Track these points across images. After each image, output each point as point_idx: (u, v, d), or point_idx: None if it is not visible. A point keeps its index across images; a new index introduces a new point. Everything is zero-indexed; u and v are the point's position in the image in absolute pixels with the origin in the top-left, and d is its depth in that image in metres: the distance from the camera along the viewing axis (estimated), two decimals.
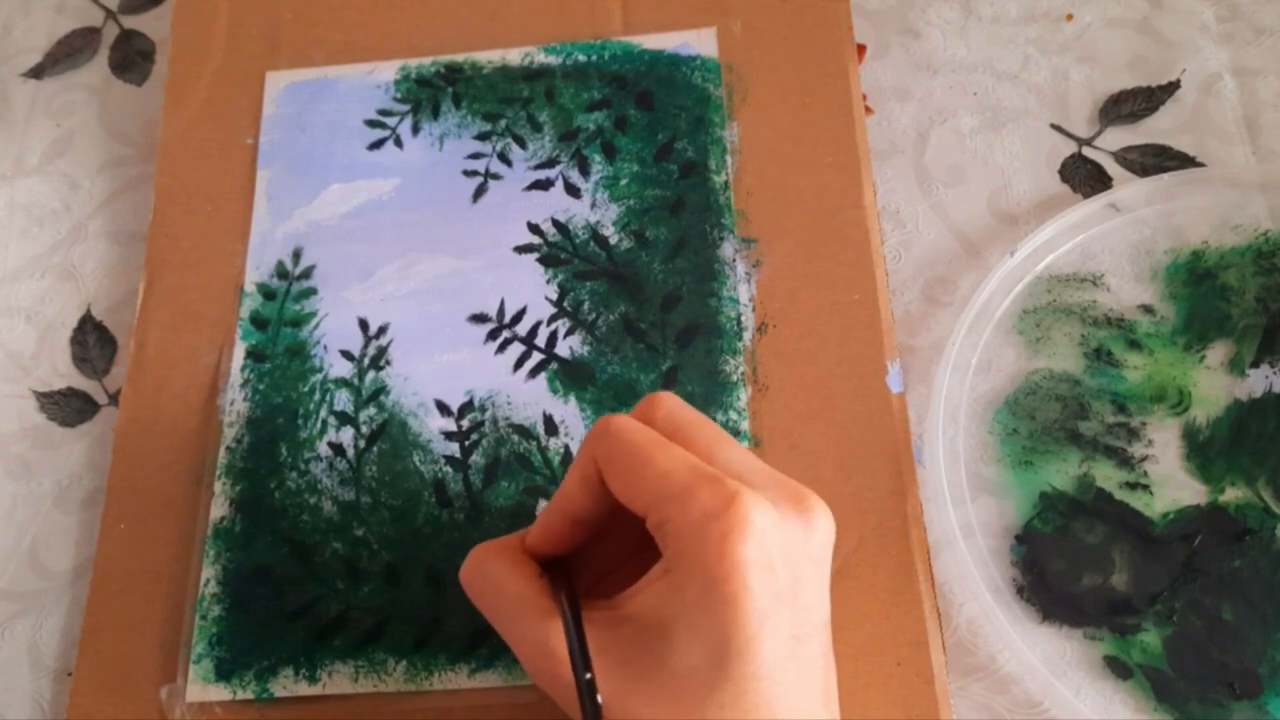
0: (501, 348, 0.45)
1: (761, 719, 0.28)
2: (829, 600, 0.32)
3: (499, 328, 0.46)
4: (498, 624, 0.34)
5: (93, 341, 0.50)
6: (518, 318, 0.46)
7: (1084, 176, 0.47)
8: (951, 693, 0.39)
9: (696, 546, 0.29)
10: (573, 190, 0.48)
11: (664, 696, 0.29)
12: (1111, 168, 0.47)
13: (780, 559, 0.29)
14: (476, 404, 0.44)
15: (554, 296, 0.46)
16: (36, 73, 0.57)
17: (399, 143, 0.50)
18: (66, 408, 0.48)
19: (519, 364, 0.45)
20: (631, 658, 0.30)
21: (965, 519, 0.41)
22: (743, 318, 0.45)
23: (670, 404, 0.34)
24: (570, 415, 0.44)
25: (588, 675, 0.29)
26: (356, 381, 0.45)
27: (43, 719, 0.42)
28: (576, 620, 0.31)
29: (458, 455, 0.44)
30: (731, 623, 0.28)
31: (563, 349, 0.45)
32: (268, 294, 0.48)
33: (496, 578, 0.34)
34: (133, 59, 0.57)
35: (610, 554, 0.36)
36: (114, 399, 0.48)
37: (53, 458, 0.47)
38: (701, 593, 0.29)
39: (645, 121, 0.49)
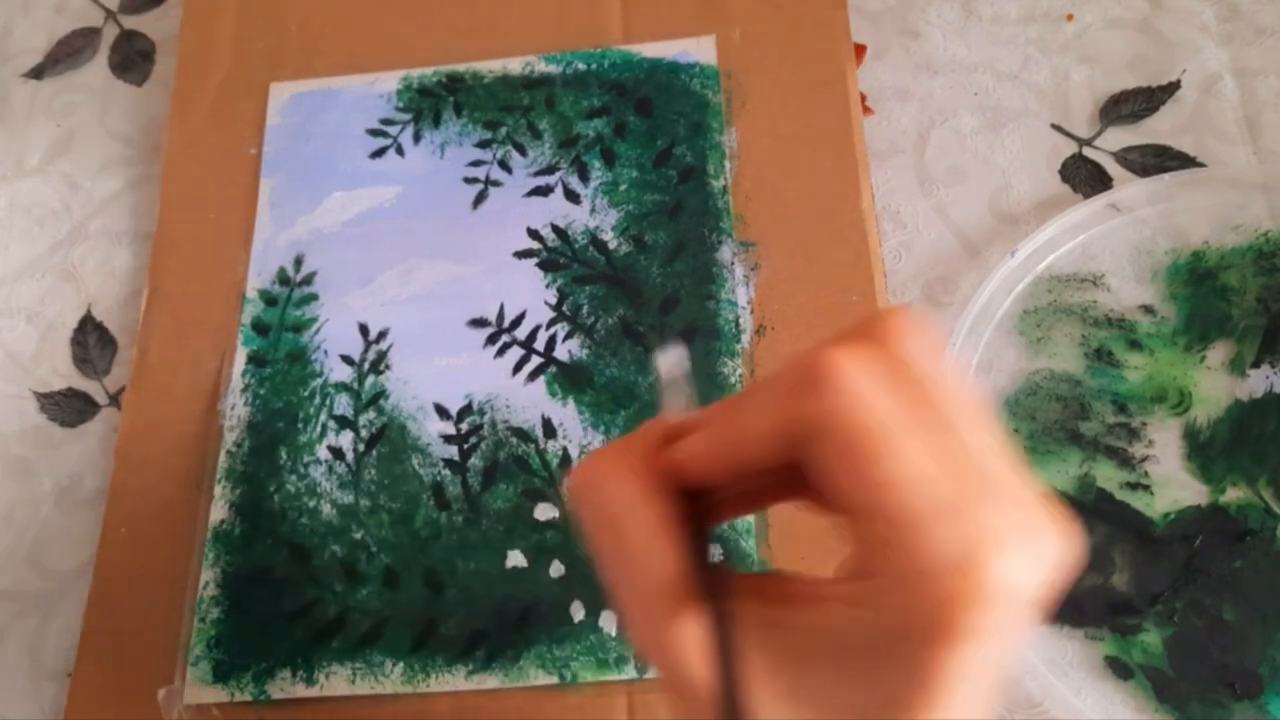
0: (501, 351, 0.46)
1: None
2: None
3: (498, 332, 0.46)
4: (604, 566, 0.26)
5: (93, 342, 0.50)
6: (517, 322, 0.46)
7: (1084, 176, 0.47)
8: None
9: (919, 604, 0.22)
10: (572, 196, 0.48)
11: None
12: (1112, 168, 0.47)
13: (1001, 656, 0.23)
14: (475, 407, 0.45)
15: (553, 301, 0.46)
16: (36, 73, 0.58)
17: (400, 151, 0.51)
18: (67, 408, 0.49)
19: (518, 368, 0.45)
20: (781, 667, 0.24)
21: None
22: (741, 320, 0.45)
23: (910, 343, 0.23)
24: (568, 418, 0.44)
25: None
26: (356, 386, 0.46)
27: (43, 719, 0.42)
28: (730, 657, 0.24)
29: (456, 458, 0.44)
30: (926, 706, 0.22)
31: (561, 352, 0.45)
32: (269, 300, 0.48)
33: (618, 507, 0.25)
34: (133, 59, 0.57)
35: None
36: (114, 399, 0.49)
37: (53, 458, 0.48)
38: (909, 664, 0.22)
39: (644, 128, 0.49)
